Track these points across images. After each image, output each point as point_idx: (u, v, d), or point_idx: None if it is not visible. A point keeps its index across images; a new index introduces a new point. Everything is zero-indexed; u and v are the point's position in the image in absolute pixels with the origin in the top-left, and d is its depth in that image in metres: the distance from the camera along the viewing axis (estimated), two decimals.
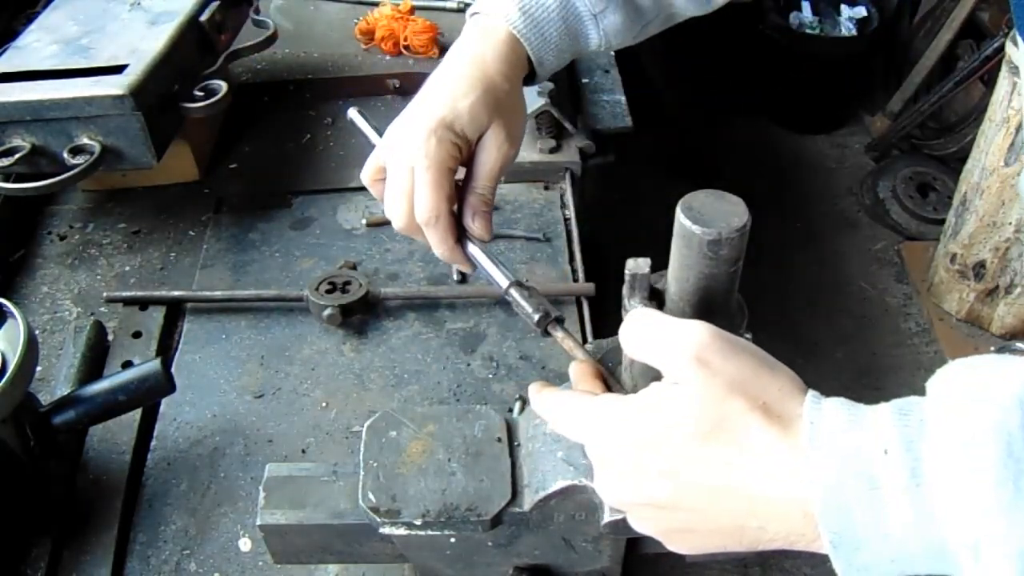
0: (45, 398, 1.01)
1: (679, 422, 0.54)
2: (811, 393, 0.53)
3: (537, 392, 0.67)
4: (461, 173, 0.82)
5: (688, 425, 0.54)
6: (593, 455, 0.61)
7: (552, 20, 0.85)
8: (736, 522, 0.54)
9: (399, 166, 0.79)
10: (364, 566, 0.95)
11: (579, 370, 0.69)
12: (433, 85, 0.83)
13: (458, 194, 0.81)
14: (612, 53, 1.76)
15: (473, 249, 0.80)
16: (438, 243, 0.79)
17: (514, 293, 0.77)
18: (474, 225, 0.80)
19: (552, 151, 1.46)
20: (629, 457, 0.57)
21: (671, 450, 0.54)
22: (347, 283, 1.22)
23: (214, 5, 1.42)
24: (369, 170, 0.85)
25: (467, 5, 1.91)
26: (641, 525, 0.61)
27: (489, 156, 0.81)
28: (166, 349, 1.21)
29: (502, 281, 0.78)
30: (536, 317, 0.75)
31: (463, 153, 0.80)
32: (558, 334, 0.75)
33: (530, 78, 0.89)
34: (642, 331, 0.59)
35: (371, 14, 1.79)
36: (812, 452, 0.49)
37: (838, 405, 0.51)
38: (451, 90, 0.80)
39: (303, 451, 1.09)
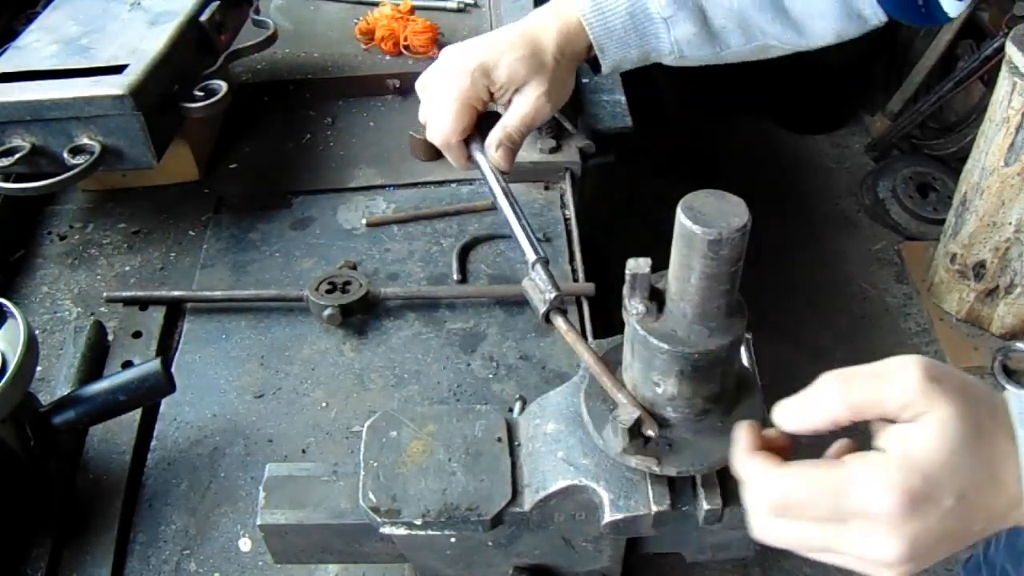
0: (45, 398, 1.01)
1: (950, 448, 0.51)
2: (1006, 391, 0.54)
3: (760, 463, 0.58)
4: None
5: (958, 444, 0.51)
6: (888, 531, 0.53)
7: (618, 12, 0.92)
8: (982, 528, 0.53)
9: (434, 90, 0.93)
10: (364, 566, 0.95)
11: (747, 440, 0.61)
12: (494, 33, 0.93)
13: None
14: None
15: (511, 219, 0.87)
16: (452, 160, 0.94)
17: (540, 269, 0.79)
18: (495, 153, 0.90)
19: (552, 151, 1.46)
20: (929, 515, 0.52)
21: (956, 478, 0.52)
22: (347, 283, 1.22)
23: (214, 5, 1.42)
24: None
25: (467, 5, 1.91)
26: (929, 561, 0.55)
27: (524, 102, 0.91)
28: (166, 349, 1.21)
29: (531, 255, 0.83)
30: (552, 295, 0.77)
31: (493, 98, 0.92)
32: (561, 324, 0.76)
33: (596, 68, 0.97)
34: (849, 389, 0.55)
35: (371, 14, 1.79)
36: None
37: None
38: (503, 42, 0.91)
39: (303, 451, 1.09)
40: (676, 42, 0.93)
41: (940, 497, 0.52)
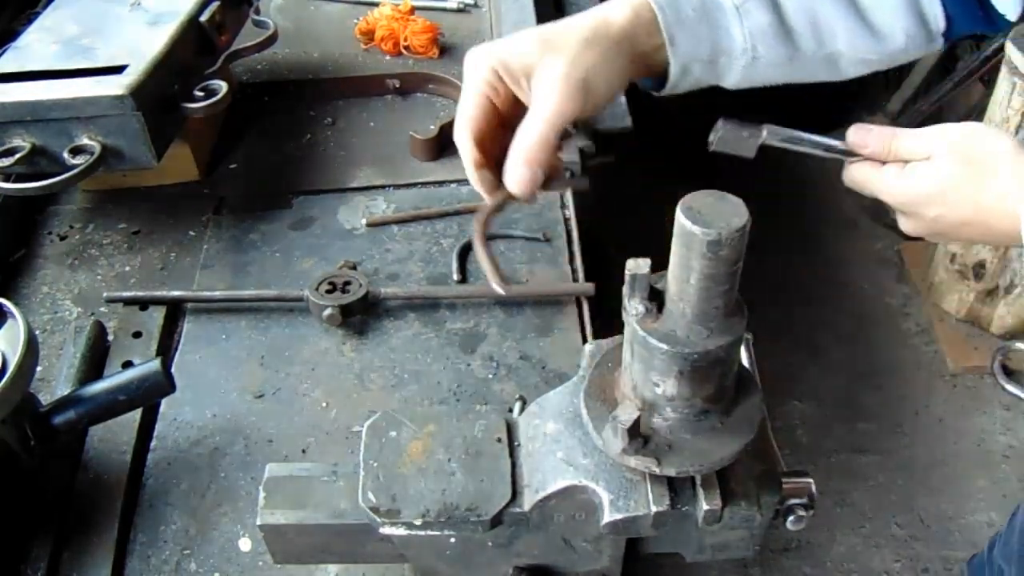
0: (45, 398, 1.01)
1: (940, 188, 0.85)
2: None
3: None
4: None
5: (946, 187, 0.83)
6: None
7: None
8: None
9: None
10: (364, 566, 0.95)
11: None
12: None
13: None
14: None
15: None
16: (464, 163, 0.77)
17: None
18: (508, 177, 0.75)
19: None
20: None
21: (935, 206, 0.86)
22: (347, 283, 1.22)
23: (214, 5, 1.42)
24: None
25: (467, 5, 1.91)
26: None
27: (536, 103, 0.76)
28: (166, 349, 1.21)
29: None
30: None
31: (513, 87, 0.77)
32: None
33: (663, 78, 0.86)
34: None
35: (371, 14, 1.79)
36: None
37: None
38: (536, 29, 0.78)
39: (303, 451, 1.09)
40: (750, 35, 0.86)
41: (923, 214, 0.85)
